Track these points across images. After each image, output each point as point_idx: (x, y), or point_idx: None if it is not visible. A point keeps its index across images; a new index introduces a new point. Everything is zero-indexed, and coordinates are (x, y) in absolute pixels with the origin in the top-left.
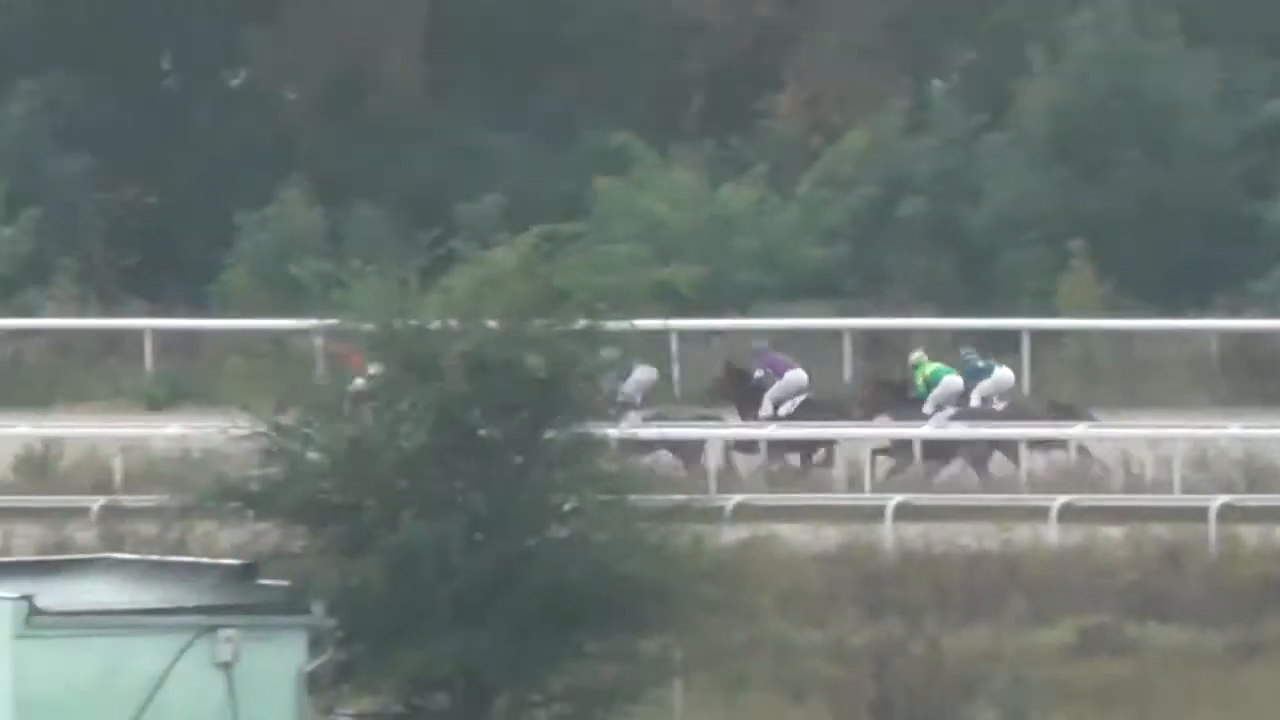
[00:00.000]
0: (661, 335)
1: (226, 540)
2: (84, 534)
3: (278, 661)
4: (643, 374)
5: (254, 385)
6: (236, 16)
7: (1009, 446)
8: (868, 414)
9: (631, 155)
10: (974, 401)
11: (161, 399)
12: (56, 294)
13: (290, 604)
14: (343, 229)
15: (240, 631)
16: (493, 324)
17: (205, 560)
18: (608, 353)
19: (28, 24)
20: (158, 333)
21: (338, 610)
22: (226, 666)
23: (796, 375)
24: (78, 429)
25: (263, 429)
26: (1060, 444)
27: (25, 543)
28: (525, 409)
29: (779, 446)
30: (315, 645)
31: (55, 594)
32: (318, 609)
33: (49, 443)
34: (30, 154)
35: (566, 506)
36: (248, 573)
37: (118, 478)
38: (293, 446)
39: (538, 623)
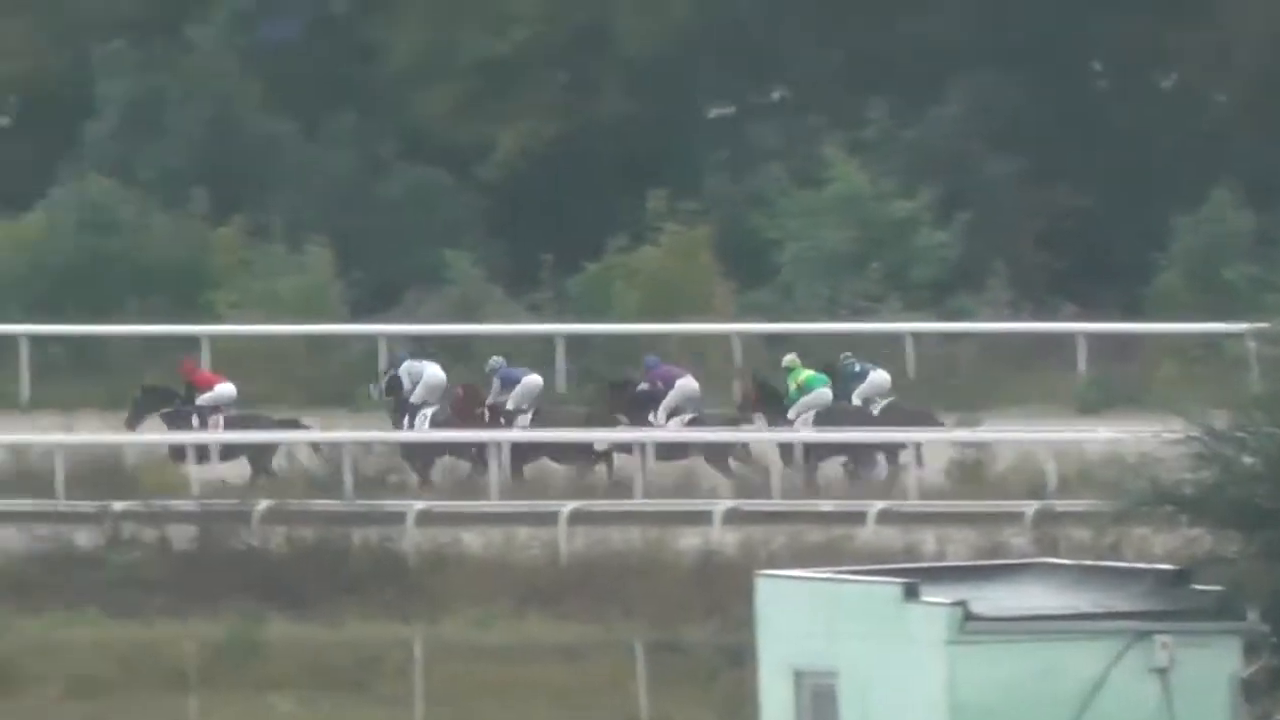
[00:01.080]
0: None
1: (1160, 545)
2: (1018, 539)
3: (1212, 668)
4: None
5: (1187, 388)
6: (1167, 17)
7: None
8: (745, 415)
9: None
10: (855, 403)
11: (1094, 403)
12: (988, 298)
13: (1223, 609)
14: (1273, 232)
15: (1175, 637)
16: None
17: (1138, 565)
18: None
19: (958, 23)
20: (1090, 336)
21: (1271, 616)
22: (1162, 672)
23: (686, 384)
24: (1010, 433)
25: (1196, 433)
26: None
27: (960, 547)
28: None
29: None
30: (1250, 651)
31: (989, 599)
32: (1252, 614)
33: (982, 447)
34: (963, 156)
35: None
36: (1181, 578)
37: (1051, 482)
38: (1226, 450)
39: None
